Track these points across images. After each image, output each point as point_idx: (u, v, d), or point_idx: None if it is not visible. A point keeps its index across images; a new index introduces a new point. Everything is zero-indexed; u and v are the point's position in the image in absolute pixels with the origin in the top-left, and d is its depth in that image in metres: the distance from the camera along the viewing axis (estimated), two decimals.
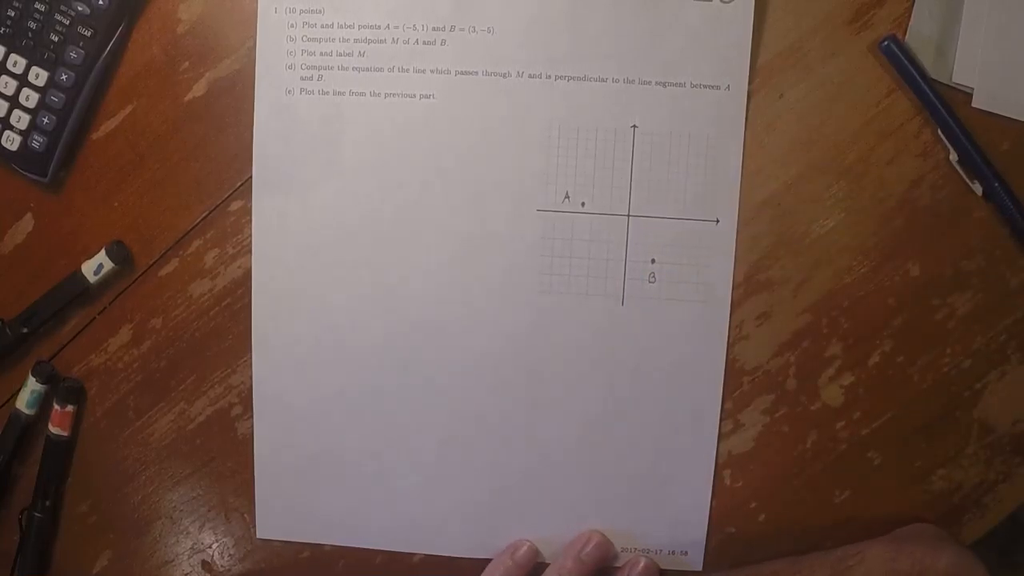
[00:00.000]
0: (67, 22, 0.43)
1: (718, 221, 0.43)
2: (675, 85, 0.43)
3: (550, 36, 0.43)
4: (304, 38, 0.44)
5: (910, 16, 0.42)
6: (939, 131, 0.43)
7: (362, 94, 0.44)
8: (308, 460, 0.46)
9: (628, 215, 0.44)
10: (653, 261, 0.44)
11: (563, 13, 0.43)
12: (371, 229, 0.44)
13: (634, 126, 0.43)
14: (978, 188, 0.43)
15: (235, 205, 0.45)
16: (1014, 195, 0.42)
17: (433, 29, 0.43)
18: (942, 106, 0.42)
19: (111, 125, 0.45)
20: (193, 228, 0.45)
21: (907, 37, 0.42)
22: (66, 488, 0.48)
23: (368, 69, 0.44)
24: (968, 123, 0.42)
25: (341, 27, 0.43)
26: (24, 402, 0.46)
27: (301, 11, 0.44)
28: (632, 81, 0.43)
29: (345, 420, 0.46)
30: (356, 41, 0.44)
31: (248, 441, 0.46)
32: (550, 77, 0.43)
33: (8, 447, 0.46)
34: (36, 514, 0.47)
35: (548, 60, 0.43)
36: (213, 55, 0.44)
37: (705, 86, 0.43)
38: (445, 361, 0.45)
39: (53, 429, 0.46)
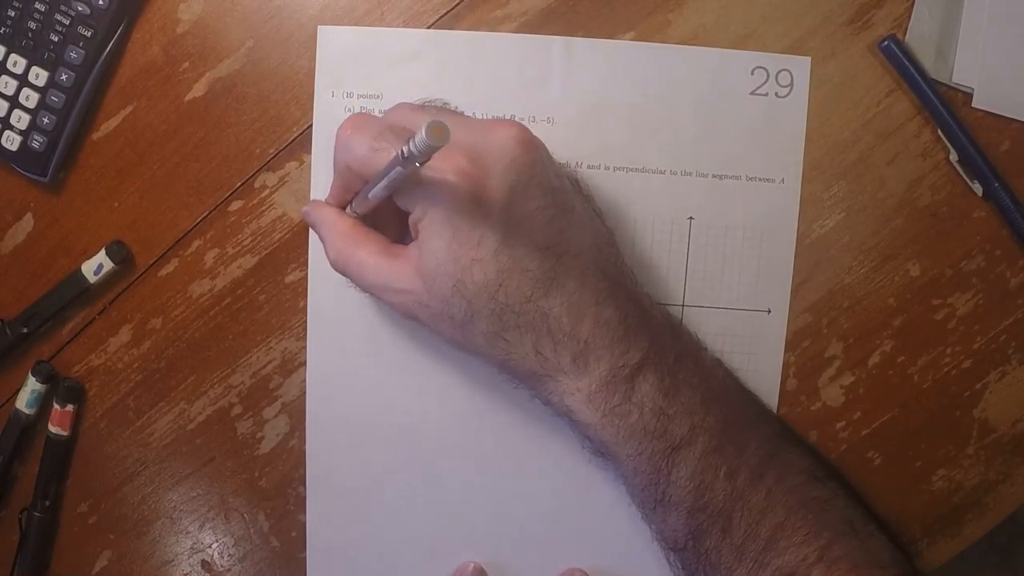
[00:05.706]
0: (67, 22, 0.43)
1: (769, 311, 0.44)
2: (731, 178, 0.43)
3: (609, 128, 0.43)
4: None
5: (910, 16, 0.42)
6: (939, 131, 0.43)
7: None
8: None
9: (683, 305, 0.44)
10: (706, 349, 0.43)
11: (622, 106, 0.43)
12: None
13: (691, 217, 0.44)
14: (978, 188, 0.43)
15: (235, 205, 0.45)
16: (1014, 195, 0.42)
17: (494, 117, 0.43)
18: (942, 106, 0.42)
19: (111, 125, 0.45)
20: (193, 228, 0.45)
21: (907, 37, 0.42)
22: (66, 488, 0.47)
23: None
24: (968, 123, 0.42)
25: None
26: (24, 402, 0.46)
27: (359, 96, 0.44)
28: (689, 173, 0.43)
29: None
30: None
31: (248, 442, 0.46)
32: (608, 168, 0.43)
33: (8, 447, 0.46)
34: (36, 514, 0.47)
35: (607, 152, 0.43)
36: (213, 55, 0.44)
37: (760, 179, 0.43)
38: (501, 454, 0.45)
39: (53, 429, 0.46)
